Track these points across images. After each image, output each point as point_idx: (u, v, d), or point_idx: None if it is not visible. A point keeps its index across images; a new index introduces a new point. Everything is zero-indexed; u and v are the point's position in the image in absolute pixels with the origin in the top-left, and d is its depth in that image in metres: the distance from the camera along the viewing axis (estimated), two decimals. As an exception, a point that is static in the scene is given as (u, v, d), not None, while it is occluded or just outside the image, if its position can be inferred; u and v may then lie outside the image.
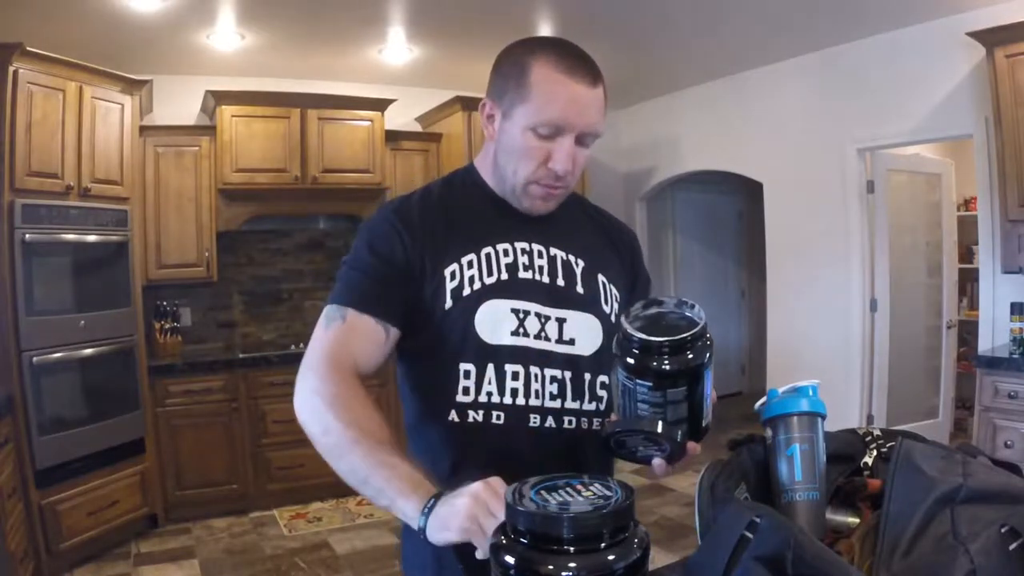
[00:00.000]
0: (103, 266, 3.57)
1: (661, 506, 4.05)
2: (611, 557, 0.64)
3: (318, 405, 0.96)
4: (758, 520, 0.68)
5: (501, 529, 0.70)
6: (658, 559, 0.77)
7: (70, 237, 3.33)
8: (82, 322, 3.37)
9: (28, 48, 3.08)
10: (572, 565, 0.63)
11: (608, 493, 0.69)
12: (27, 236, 3.11)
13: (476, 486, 0.80)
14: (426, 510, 0.82)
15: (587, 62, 1.04)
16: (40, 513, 3.11)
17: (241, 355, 4.22)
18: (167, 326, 4.22)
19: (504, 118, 1.06)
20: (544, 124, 1.02)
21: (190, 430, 3.94)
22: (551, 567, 0.63)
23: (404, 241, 1.07)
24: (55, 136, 3.26)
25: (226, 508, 4.02)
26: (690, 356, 0.84)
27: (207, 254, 4.23)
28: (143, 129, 4.00)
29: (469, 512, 0.77)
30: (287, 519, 3.98)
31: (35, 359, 3.13)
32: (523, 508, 0.66)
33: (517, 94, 1.03)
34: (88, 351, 3.40)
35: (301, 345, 4.53)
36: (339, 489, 4.27)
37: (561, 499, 0.68)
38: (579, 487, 0.71)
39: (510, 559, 0.66)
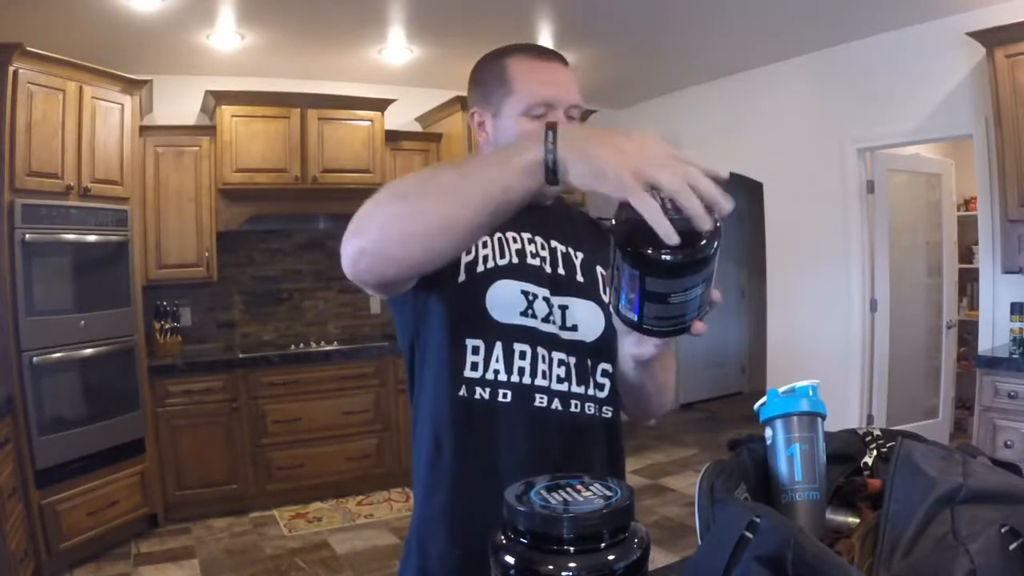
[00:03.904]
0: (103, 266, 3.56)
1: (661, 506, 4.05)
2: (611, 557, 0.64)
3: (381, 210, 0.95)
4: (758, 520, 0.68)
5: (501, 529, 0.70)
6: (658, 559, 0.77)
7: (70, 237, 3.33)
8: (82, 322, 3.37)
9: (28, 48, 3.09)
10: (572, 565, 0.63)
11: (608, 493, 0.69)
12: (27, 236, 3.11)
13: (643, 135, 0.70)
14: (549, 145, 0.74)
15: (553, 50, 1.15)
16: (40, 513, 3.11)
17: (241, 355, 4.22)
18: (167, 326, 4.22)
19: (495, 117, 1.12)
20: (535, 105, 1.08)
21: (190, 430, 3.94)
22: (551, 567, 0.63)
23: None
24: (55, 136, 3.26)
25: (226, 508, 4.02)
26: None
27: (207, 254, 4.22)
28: (143, 129, 4.00)
29: (634, 166, 0.67)
30: (287, 519, 3.98)
31: (35, 359, 3.13)
32: (523, 508, 0.66)
33: (502, 91, 1.10)
34: (88, 351, 3.40)
35: (301, 345, 4.53)
36: (339, 489, 4.29)
37: (561, 499, 0.68)
38: (579, 487, 0.71)
39: (510, 559, 0.66)
